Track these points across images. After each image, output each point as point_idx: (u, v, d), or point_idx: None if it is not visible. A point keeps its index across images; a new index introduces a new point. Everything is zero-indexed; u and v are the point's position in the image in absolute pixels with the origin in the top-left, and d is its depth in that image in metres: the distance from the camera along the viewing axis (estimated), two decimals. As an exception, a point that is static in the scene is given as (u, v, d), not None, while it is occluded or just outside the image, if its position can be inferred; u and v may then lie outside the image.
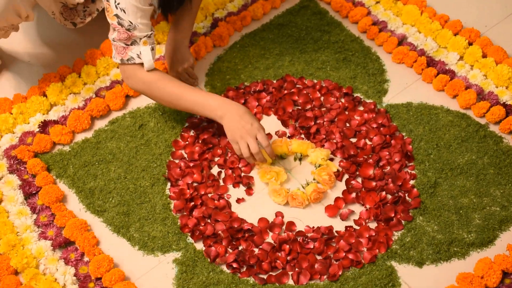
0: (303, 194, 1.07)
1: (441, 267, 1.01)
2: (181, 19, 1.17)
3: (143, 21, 1.01)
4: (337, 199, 1.08)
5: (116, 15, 0.99)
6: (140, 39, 1.01)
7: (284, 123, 1.20)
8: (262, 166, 1.10)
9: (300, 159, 1.14)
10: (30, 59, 1.31)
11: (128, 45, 1.02)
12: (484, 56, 1.27)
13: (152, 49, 1.04)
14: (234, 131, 1.04)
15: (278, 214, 1.07)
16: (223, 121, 1.05)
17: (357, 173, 1.12)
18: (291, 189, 1.09)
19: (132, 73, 1.05)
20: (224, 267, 1.01)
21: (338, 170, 1.11)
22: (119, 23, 1.00)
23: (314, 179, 1.10)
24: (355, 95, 1.24)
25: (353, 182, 1.10)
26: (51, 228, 1.05)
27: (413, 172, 1.12)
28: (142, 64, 1.04)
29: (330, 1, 1.38)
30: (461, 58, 1.28)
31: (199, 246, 1.04)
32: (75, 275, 0.99)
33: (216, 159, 1.14)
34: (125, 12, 0.99)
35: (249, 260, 1.00)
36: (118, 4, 0.98)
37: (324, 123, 1.19)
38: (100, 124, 1.21)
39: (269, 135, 1.17)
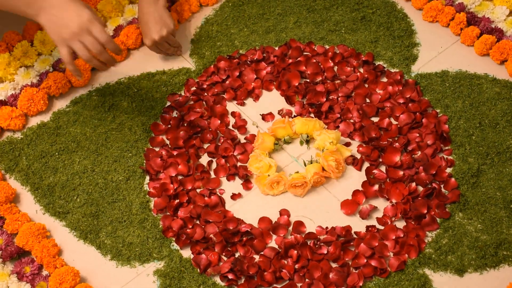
0: (300, 176, 1.06)
1: (487, 276, 1.00)
2: None
3: None
4: (355, 192, 1.08)
5: None
6: None
7: (289, 100, 1.19)
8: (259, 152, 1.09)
9: (307, 142, 1.13)
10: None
11: None
12: (539, 11, 1.28)
13: None
14: (58, 30, 0.95)
15: (283, 212, 1.06)
16: (40, 19, 0.97)
17: (380, 160, 1.11)
18: (289, 172, 1.09)
19: None
20: (217, 279, 1.01)
21: (354, 157, 1.11)
22: None
23: (318, 162, 1.10)
24: (377, 63, 1.23)
25: (375, 171, 1.09)
26: (0, 235, 1.04)
27: (450, 157, 1.12)
28: None
29: None
30: (511, 13, 1.28)
31: (186, 253, 1.03)
32: (32, 292, 0.99)
33: (206, 145, 1.14)
34: None
35: (248, 269, 1.00)
36: None
37: (339, 99, 1.18)
38: (60, 104, 1.20)
39: (270, 115, 1.16)
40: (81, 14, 0.95)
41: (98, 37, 0.97)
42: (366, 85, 1.20)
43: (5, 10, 0.99)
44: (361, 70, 1.22)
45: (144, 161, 1.12)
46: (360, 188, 1.08)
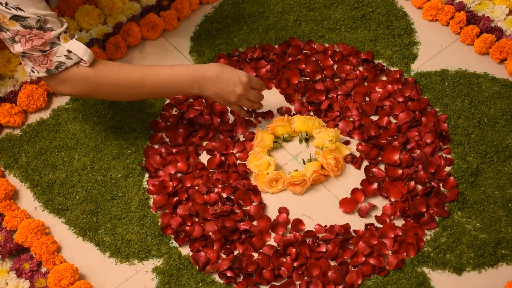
0: (299, 174, 1.06)
1: (486, 274, 1.00)
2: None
3: (46, 9, 0.94)
4: (354, 191, 1.07)
5: (14, 17, 0.92)
6: (58, 37, 0.96)
7: (289, 98, 1.19)
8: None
9: (307, 140, 1.13)
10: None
11: (46, 51, 0.96)
12: (539, 10, 1.28)
13: (76, 38, 0.99)
14: (225, 96, 1.07)
15: (282, 210, 1.06)
16: (204, 93, 1.06)
17: (380, 158, 1.11)
18: (288, 170, 1.08)
19: (68, 78, 0.99)
20: (216, 277, 1.00)
21: (353, 155, 1.10)
22: (23, 26, 0.93)
23: (317, 160, 1.10)
24: (377, 61, 1.23)
25: (374, 169, 1.09)
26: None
27: (449, 156, 1.11)
28: (76, 63, 0.98)
29: None
30: (510, 12, 1.27)
31: (185, 251, 1.03)
32: (31, 289, 0.99)
33: (205, 143, 1.14)
34: (22, 10, 0.92)
35: (247, 267, 0.99)
36: (7, 4, 0.91)
37: (338, 97, 1.18)
38: (60, 101, 1.19)
39: (270, 114, 1.17)
40: (234, 88, 1.05)
41: (258, 88, 1.10)
42: (366, 84, 1.20)
43: (171, 96, 1.14)
44: (361, 68, 1.22)
45: (144, 159, 1.12)
46: (359, 187, 1.08)
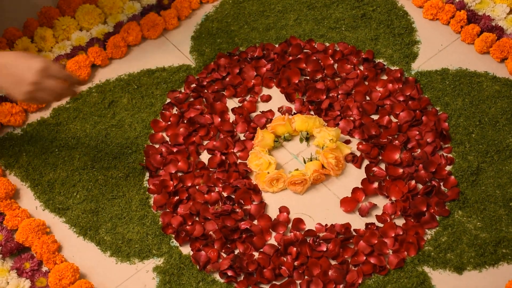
0: (300, 174, 1.06)
1: (486, 274, 1.00)
2: None
3: None
4: (355, 190, 1.07)
5: None
6: None
7: (289, 97, 1.18)
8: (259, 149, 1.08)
9: (307, 139, 1.13)
10: (-29, 21, 1.29)
11: None
12: (539, 9, 1.27)
13: None
14: (17, 87, 0.90)
15: (283, 209, 1.06)
16: None
17: (380, 157, 1.11)
18: (288, 170, 1.08)
19: None
20: (217, 276, 1.00)
21: (353, 154, 1.10)
22: None
23: (317, 159, 1.10)
24: (377, 61, 1.23)
25: (375, 169, 1.09)
26: (0, 231, 1.04)
27: (450, 155, 1.11)
28: None
29: None
30: (511, 11, 1.27)
31: (186, 250, 1.03)
32: (32, 288, 0.99)
33: (206, 142, 1.13)
34: None
35: (248, 266, 0.99)
36: None
37: (339, 96, 1.18)
38: (60, 101, 1.15)
39: (271, 112, 1.16)
40: (32, 64, 0.90)
41: (59, 76, 0.92)
42: (366, 83, 1.19)
43: None
44: (361, 67, 1.22)
45: (144, 158, 1.12)
46: (360, 186, 1.08)
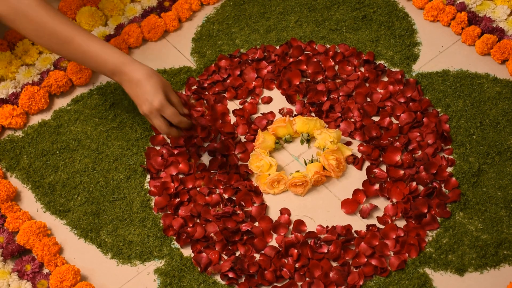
0: (301, 175, 1.06)
1: (488, 275, 1.00)
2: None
3: None
4: (356, 191, 1.07)
5: None
6: None
7: (290, 99, 1.18)
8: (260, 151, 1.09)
9: (308, 141, 1.13)
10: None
11: None
12: (540, 10, 1.27)
13: None
14: (138, 104, 0.99)
15: (284, 211, 1.06)
16: (124, 88, 1.00)
17: (381, 159, 1.11)
18: (289, 171, 1.08)
19: None
20: (218, 278, 1.00)
21: (354, 156, 1.10)
22: None
23: (318, 161, 1.10)
24: (378, 62, 1.23)
25: (376, 170, 1.09)
26: (1, 234, 1.04)
27: (450, 157, 1.11)
28: None
29: None
30: None
31: (187, 252, 1.03)
32: (33, 290, 0.99)
33: (206, 144, 1.13)
34: None
35: (249, 268, 0.99)
36: None
37: (340, 98, 1.18)
38: (61, 103, 1.19)
39: (271, 114, 1.16)
40: (152, 99, 0.96)
41: (171, 121, 0.98)
42: (367, 84, 1.19)
43: (77, 63, 1.04)
44: (362, 69, 1.22)
45: (145, 160, 1.12)
46: (361, 187, 1.08)
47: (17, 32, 1.23)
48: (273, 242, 1.03)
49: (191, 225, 1.04)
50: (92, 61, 0.99)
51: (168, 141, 1.14)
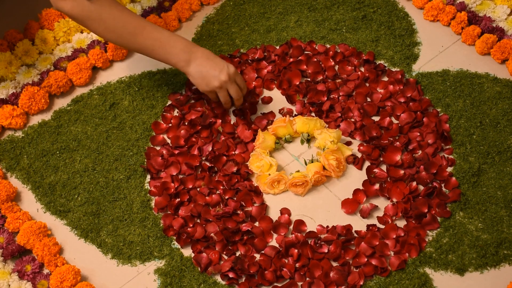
0: (301, 175, 1.06)
1: (488, 275, 1.00)
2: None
3: None
4: (356, 191, 1.07)
5: None
6: None
7: (290, 99, 1.18)
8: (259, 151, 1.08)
9: (308, 141, 1.13)
10: (-28, 24, 1.29)
11: None
12: (540, 10, 1.27)
13: None
14: (208, 78, 1.06)
15: (284, 211, 1.06)
16: (189, 68, 1.06)
17: (381, 159, 1.11)
18: (289, 171, 1.08)
19: None
20: (218, 278, 1.00)
21: (354, 156, 1.10)
22: None
23: (318, 161, 1.10)
24: (378, 62, 1.23)
25: (376, 170, 1.09)
26: (1, 234, 1.04)
27: (451, 157, 1.11)
28: None
29: None
30: None
31: (187, 252, 1.03)
32: (33, 290, 0.99)
33: (207, 144, 1.13)
34: None
35: (249, 268, 0.99)
36: None
37: (340, 98, 1.18)
38: (61, 103, 1.20)
39: (271, 114, 1.16)
40: (228, 65, 1.07)
41: (241, 86, 1.10)
42: (367, 84, 1.19)
43: (157, 59, 1.08)
44: (362, 69, 1.22)
45: (145, 160, 1.12)
46: (361, 187, 1.08)
47: (17, 32, 1.23)
48: (273, 242, 1.03)
49: (191, 225, 1.04)
50: (162, 46, 1.05)
51: (168, 141, 1.14)
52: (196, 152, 1.11)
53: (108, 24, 1.03)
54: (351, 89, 1.18)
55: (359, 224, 1.05)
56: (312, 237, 1.03)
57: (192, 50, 1.05)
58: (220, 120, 1.15)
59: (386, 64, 1.23)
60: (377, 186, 1.08)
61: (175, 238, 1.04)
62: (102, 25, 1.03)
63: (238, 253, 1.02)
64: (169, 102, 1.18)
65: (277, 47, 1.25)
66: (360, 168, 1.10)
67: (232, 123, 1.15)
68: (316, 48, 1.25)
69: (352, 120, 1.15)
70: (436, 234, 1.03)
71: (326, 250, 1.01)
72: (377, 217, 1.05)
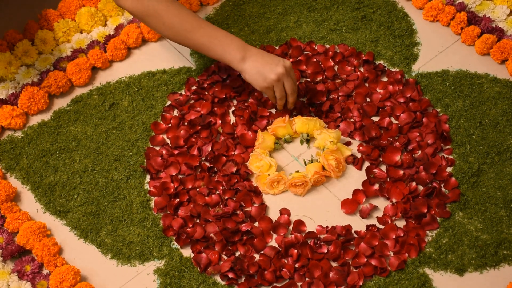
0: (300, 176, 1.06)
1: (487, 275, 1.00)
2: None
3: None
4: (356, 192, 1.07)
5: None
6: None
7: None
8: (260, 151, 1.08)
9: (308, 141, 1.13)
10: (-28, 24, 1.28)
11: None
12: (539, 10, 1.27)
13: None
14: (264, 72, 1.06)
15: (284, 211, 1.06)
16: (245, 64, 1.07)
17: (381, 159, 1.11)
18: (289, 172, 1.08)
19: None
20: (218, 278, 1.00)
21: (354, 156, 1.10)
22: None
23: (318, 161, 1.10)
24: (377, 62, 1.23)
25: (375, 170, 1.09)
26: (1, 234, 1.04)
27: (450, 157, 1.11)
28: None
29: None
30: (511, 12, 1.27)
31: (187, 252, 1.03)
32: (33, 291, 0.99)
33: (206, 144, 1.13)
34: None
35: (249, 268, 0.99)
36: None
37: (339, 98, 1.18)
38: (61, 103, 1.19)
39: (271, 115, 1.16)
40: (283, 60, 1.07)
41: (295, 81, 1.10)
42: (367, 85, 1.19)
43: (212, 56, 1.10)
44: (362, 69, 1.22)
45: (145, 160, 1.11)
46: (361, 188, 1.08)
47: (16, 32, 1.23)
48: (273, 242, 1.03)
49: (190, 226, 1.04)
50: (219, 43, 1.07)
51: (168, 141, 1.14)
52: (195, 152, 1.11)
53: (165, 20, 1.06)
54: (350, 89, 1.18)
55: (358, 224, 1.05)
56: (311, 237, 1.03)
57: (246, 48, 1.07)
58: (220, 121, 1.15)
59: (385, 64, 1.23)
60: (376, 186, 1.08)
61: (174, 238, 1.03)
62: (160, 21, 1.07)
63: (237, 253, 1.02)
64: (169, 102, 1.18)
65: (277, 48, 1.25)
66: (360, 169, 1.10)
67: (231, 123, 1.15)
68: (316, 48, 1.24)
69: (352, 120, 1.15)
70: (436, 234, 1.03)
71: (325, 250, 1.01)
72: (377, 217, 1.05)
